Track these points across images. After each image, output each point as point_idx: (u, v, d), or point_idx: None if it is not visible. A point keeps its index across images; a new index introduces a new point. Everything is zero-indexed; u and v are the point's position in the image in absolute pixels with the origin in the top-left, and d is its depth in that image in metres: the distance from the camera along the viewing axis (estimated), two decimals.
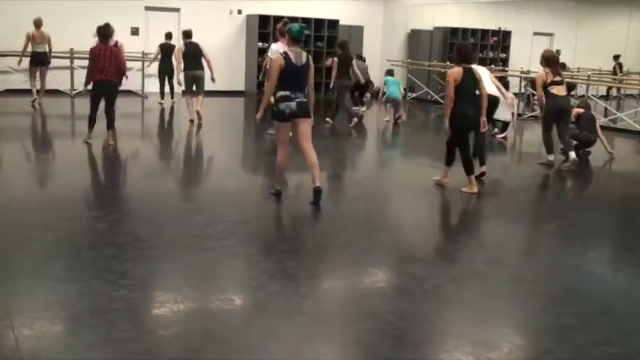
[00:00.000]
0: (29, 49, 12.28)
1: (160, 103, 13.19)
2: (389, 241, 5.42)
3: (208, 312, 3.77)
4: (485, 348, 3.48)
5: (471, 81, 6.51)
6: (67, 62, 14.22)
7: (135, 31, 15.45)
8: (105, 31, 8.53)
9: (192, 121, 11.11)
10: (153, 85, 14.81)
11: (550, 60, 8.46)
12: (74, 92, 14.12)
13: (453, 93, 6.45)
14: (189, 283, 4.15)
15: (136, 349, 3.24)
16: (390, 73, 13.62)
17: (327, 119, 11.90)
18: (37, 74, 12.32)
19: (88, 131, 8.37)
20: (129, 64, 14.71)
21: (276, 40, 10.05)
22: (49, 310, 3.64)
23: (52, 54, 12.70)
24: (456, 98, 6.45)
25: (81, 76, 13.82)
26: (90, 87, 8.37)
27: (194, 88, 11.22)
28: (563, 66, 16.40)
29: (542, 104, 8.65)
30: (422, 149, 9.39)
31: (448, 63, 17.42)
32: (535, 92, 9.71)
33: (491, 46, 19.69)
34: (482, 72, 7.47)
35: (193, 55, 11.21)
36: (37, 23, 12.24)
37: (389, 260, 5.00)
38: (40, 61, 12.28)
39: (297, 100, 5.84)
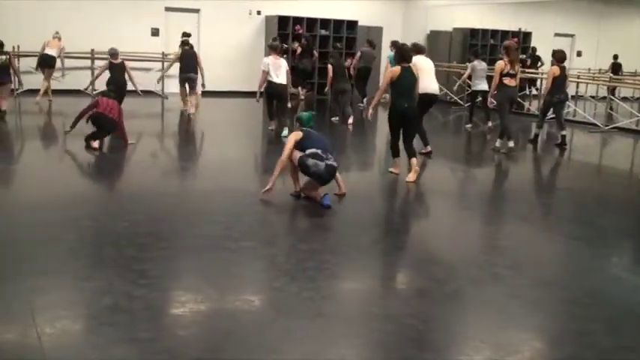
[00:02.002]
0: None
1: (185, 110, 13.13)
2: (409, 243, 5.41)
3: (228, 312, 3.77)
4: (506, 352, 3.45)
5: (408, 78, 7.28)
6: (87, 63, 14.32)
7: (155, 32, 15.54)
8: (104, 90, 9.20)
9: (184, 111, 12.16)
10: (173, 86, 14.89)
11: (510, 50, 9.46)
12: (94, 92, 14.23)
13: (391, 89, 7.34)
14: (209, 283, 4.17)
15: (155, 348, 3.25)
16: (396, 45, 13.13)
17: (333, 119, 12.09)
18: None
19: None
20: (149, 65, 14.88)
21: (267, 55, 10.89)
22: (71, 309, 3.67)
23: (72, 55, 12.97)
24: (394, 93, 7.30)
25: (102, 77, 14.00)
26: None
27: (187, 86, 12.26)
28: (538, 59, 16.56)
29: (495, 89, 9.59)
30: (440, 149, 9.35)
31: (467, 64, 17.36)
32: None
33: None
34: (428, 64, 8.61)
35: (189, 60, 12.24)
36: (55, 35, 12.96)
37: (409, 262, 4.98)
38: (44, 62, 12.67)
39: (328, 162, 6.03)
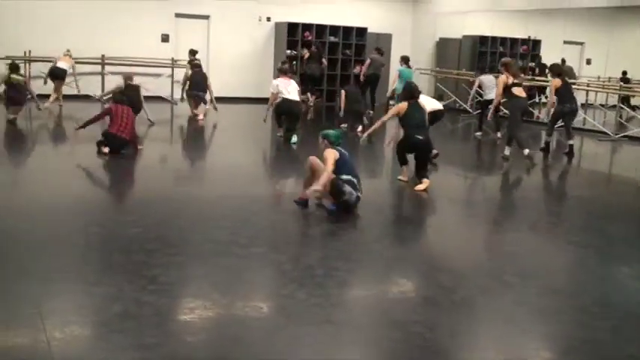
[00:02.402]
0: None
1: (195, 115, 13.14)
2: (418, 251, 5.41)
3: (236, 319, 3.78)
4: None
5: (417, 113, 7.38)
6: (98, 68, 14.40)
7: (165, 38, 15.62)
8: (118, 96, 8.98)
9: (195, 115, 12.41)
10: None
11: (509, 65, 9.71)
12: (104, 98, 14.30)
13: (401, 124, 7.49)
14: (218, 289, 4.17)
15: (164, 354, 3.26)
16: (405, 61, 13.47)
17: (342, 125, 12.10)
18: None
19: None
20: (159, 70, 14.94)
21: (276, 77, 11.08)
22: (80, 314, 3.68)
23: (82, 60, 13.19)
24: (405, 127, 7.37)
25: (112, 82, 14.09)
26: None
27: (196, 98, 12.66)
28: (545, 67, 16.65)
29: (499, 103, 10.06)
30: (449, 157, 9.34)
31: (476, 72, 17.35)
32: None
33: (520, 54, 19.52)
34: (425, 100, 8.59)
35: (199, 80, 12.56)
36: (66, 52, 13.27)
37: (418, 269, 4.97)
38: (55, 74, 12.80)
39: (359, 195, 6.03)
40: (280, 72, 10.76)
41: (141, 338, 3.38)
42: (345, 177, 5.96)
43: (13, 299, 3.81)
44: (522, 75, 10.38)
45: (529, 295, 4.36)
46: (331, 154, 6.04)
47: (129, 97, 10.32)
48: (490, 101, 11.93)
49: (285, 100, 10.25)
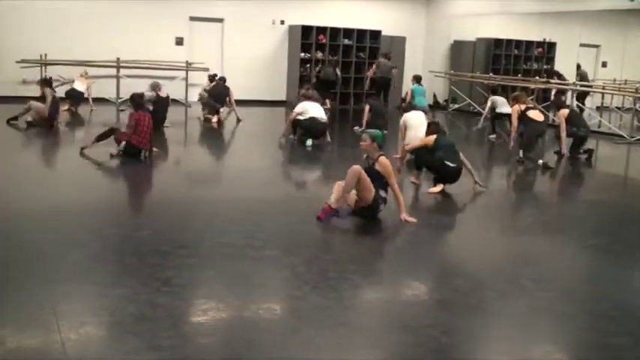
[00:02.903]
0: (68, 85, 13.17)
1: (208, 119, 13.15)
2: (432, 253, 5.38)
3: (250, 321, 3.78)
4: None
5: (445, 141, 7.35)
6: (113, 71, 14.49)
7: (179, 41, 15.70)
8: (139, 100, 8.75)
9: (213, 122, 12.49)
10: (195, 95, 15.01)
11: (518, 98, 10.04)
12: (120, 101, 14.39)
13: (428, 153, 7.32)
14: (231, 291, 4.18)
15: (178, 356, 3.27)
16: (417, 80, 13.83)
17: (355, 128, 12.12)
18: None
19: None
20: (174, 73, 15.01)
21: (300, 101, 11.13)
22: (95, 315, 3.69)
23: (97, 64, 13.36)
24: (438, 154, 7.21)
25: (127, 85, 14.18)
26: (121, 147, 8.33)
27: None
28: (558, 74, 16.59)
29: (516, 129, 9.91)
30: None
31: (491, 74, 17.28)
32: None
33: (535, 57, 19.42)
34: (418, 119, 9.03)
35: (220, 91, 12.82)
36: (83, 74, 13.39)
37: (432, 272, 4.95)
38: (72, 96, 12.85)
39: (385, 205, 5.93)
40: (304, 97, 10.86)
41: (155, 340, 3.39)
42: (382, 194, 5.88)
43: (29, 300, 3.84)
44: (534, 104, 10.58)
45: (546, 299, 4.32)
46: (391, 167, 5.93)
47: (156, 110, 10.36)
48: (504, 114, 11.93)
49: (313, 120, 10.27)
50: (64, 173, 7.80)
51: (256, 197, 6.77)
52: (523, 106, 9.78)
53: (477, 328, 3.88)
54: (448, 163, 7.16)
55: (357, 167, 5.75)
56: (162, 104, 11.10)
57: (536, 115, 9.69)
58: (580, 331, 3.94)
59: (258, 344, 3.46)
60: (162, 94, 11.24)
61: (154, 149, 8.63)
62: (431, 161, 7.29)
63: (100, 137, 8.46)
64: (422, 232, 5.70)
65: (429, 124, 7.97)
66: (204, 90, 13.32)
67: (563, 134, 10.10)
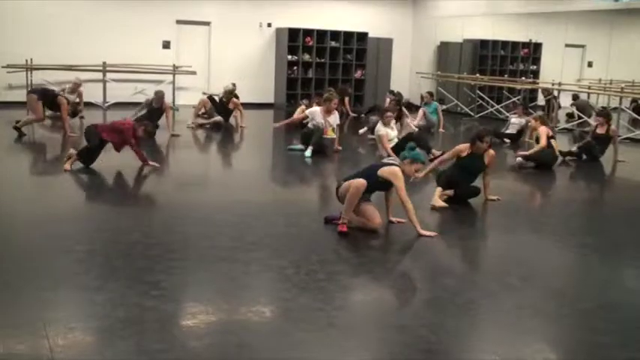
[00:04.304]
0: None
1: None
2: (422, 254, 5.39)
3: (240, 324, 3.77)
4: None
5: (476, 161, 6.89)
6: (99, 75, 14.43)
7: (166, 45, 15.66)
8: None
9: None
10: (182, 99, 15.01)
11: (543, 119, 10.09)
12: (106, 104, 14.35)
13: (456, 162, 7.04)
14: (220, 294, 4.17)
15: None
16: (430, 95, 13.90)
17: (361, 130, 12.06)
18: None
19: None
20: (161, 77, 14.97)
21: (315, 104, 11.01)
22: (83, 321, 3.67)
23: (83, 68, 13.33)
24: (459, 167, 6.96)
25: (113, 88, 14.14)
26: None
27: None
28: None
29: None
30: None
31: (478, 75, 17.36)
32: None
33: (521, 58, 19.54)
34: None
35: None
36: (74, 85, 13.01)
37: (421, 273, 4.96)
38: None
39: None
40: (318, 104, 10.45)
41: (144, 344, 3.38)
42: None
43: (16, 306, 3.81)
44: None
45: (534, 298, 4.34)
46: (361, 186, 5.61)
47: (151, 119, 10.29)
48: (509, 135, 11.96)
49: (324, 140, 9.77)
50: (49, 178, 7.75)
51: (244, 200, 6.76)
52: (550, 132, 9.58)
53: (466, 327, 3.89)
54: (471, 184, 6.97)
55: (359, 184, 5.54)
56: (157, 115, 11.17)
57: (555, 144, 9.53)
58: (569, 329, 3.96)
59: (248, 347, 3.45)
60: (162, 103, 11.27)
61: (152, 163, 8.30)
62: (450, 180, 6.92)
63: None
64: (410, 232, 5.70)
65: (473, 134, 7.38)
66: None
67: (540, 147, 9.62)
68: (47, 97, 10.40)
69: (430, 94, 13.93)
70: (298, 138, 10.18)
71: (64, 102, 10.49)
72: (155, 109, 11.26)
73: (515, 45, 19.40)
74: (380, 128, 9.38)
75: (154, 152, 9.25)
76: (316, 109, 10.09)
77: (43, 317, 3.62)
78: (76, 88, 12.92)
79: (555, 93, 15.61)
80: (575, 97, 16.17)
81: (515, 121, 12.16)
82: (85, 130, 8.14)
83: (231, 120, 12.82)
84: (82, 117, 12.43)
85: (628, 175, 9.73)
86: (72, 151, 7.94)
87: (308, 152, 9.50)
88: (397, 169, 5.70)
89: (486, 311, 4.16)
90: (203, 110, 12.69)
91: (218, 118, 12.44)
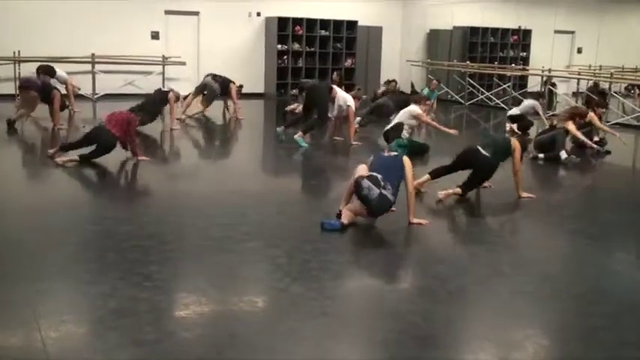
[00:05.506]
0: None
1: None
2: (413, 241, 5.40)
3: (232, 314, 3.77)
4: (511, 349, 3.45)
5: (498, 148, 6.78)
6: (88, 67, 14.34)
7: (155, 35, 15.56)
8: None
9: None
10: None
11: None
12: (95, 96, 14.27)
13: None
14: (213, 285, 4.17)
15: (160, 351, 3.25)
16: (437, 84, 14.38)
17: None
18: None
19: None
20: (150, 68, 14.89)
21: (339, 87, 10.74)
22: (75, 312, 3.67)
23: (72, 60, 13.30)
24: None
25: (102, 80, 14.05)
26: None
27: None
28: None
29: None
30: (445, 150, 9.33)
31: (468, 62, 17.37)
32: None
33: (511, 44, 19.56)
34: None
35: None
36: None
37: (413, 260, 4.98)
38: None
39: (383, 192, 5.32)
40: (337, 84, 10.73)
41: (137, 335, 3.38)
42: (374, 173, 5.45)
43: (7, 299, 3.80)
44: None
45: (525, 284, 4.36)
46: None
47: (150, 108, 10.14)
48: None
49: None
50: (40, 170, 7.71)
51: (237, 190, 6.75)
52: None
53: (458, 313, 3.91)
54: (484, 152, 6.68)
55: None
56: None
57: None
58: (562, 314, 3.98)
59: (241, 337, 3.46)
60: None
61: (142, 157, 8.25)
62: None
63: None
64: (401, 220, 5.71)
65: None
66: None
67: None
68: (45, 93, 10.33)
69: (438, 81, 14.41)
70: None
71: (58, 95, 10.42)
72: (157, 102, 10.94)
73: (504, 32, 19.42)
74: (416, 109, 9.27)
75: (148, 145, 9.21)
76: (350, 97, 9.85)
77: (35, 309, 3.61)
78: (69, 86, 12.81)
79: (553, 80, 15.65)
80: (553, 85, 16.26)
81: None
82: (93, 132, 7.90)
83: (226, 115, 12.77)
84: (74, 111, 12.29)
85: (614, 161, 9.76)
86: (75, 157, 7.72)
87: (303, 142, 9.33)
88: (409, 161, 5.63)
89: (478, 297, 4.18)
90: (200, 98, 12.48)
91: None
